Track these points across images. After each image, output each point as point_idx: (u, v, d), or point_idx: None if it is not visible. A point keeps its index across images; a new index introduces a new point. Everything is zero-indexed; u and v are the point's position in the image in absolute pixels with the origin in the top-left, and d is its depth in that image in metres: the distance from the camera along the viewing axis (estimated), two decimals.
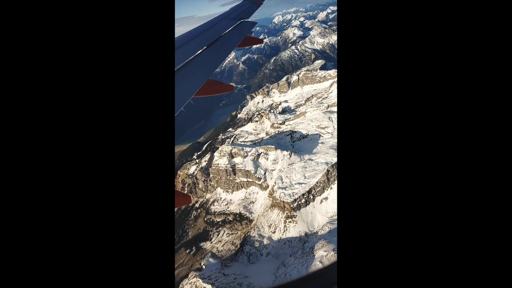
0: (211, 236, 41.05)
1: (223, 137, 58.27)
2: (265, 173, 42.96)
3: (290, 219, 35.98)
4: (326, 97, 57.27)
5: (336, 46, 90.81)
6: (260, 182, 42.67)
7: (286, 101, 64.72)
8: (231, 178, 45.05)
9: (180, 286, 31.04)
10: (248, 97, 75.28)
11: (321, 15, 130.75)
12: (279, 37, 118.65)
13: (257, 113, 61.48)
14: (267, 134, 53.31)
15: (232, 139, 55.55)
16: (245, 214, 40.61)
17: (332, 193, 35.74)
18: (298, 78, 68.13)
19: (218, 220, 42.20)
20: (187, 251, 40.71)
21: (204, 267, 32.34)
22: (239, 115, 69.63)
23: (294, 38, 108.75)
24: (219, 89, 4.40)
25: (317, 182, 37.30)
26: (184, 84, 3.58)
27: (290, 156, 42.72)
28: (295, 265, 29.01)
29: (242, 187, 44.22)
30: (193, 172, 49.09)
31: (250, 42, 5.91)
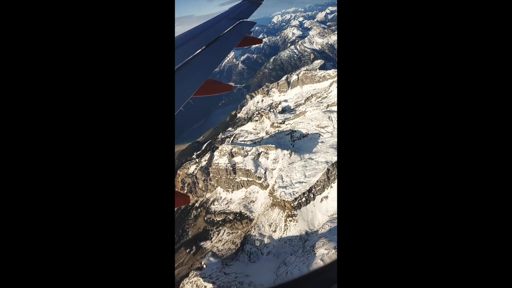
0: (211, 236, 41.00)
1: (222, 136, 58.25)
2: (265, 172, 42.98)
3: (290, 218, 36.01)
4: (326, 97, 57.37)
5: (335, 46, 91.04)
6: (260, 181, 42.67)
7: (285, 101, 64.78)
8: (231, 177, 45.03)
9: (181, 285, 31.00)
10: (247, 96, 75.29)
11: (320, 15, 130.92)
12: (278, 37, 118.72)
13: (256, 112, 61.49)
14: (267, 133, 53.34)
15: (232, 138, 55.54)
16: (246, 213, 40.60)
17: (332, 191, 35.80)
18: (298, 78, 68.21)
19: (218, 219, 42.16)
20: (187, 251, 40.65)
21: (204, 266, 32.30)
22: (238, 115, 69.63)
23: (293, 38, 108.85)
24: (218, 89, 4.40)
25: (317, 181, 37.35)
26: (183, 84, 3.57)
27: (290, 155, 42.75)
28: (296, 263, 29.04)
29: (242, 186, 44.21)
30: (193, 172, 49.03)
31: (249, 42, 5.94)
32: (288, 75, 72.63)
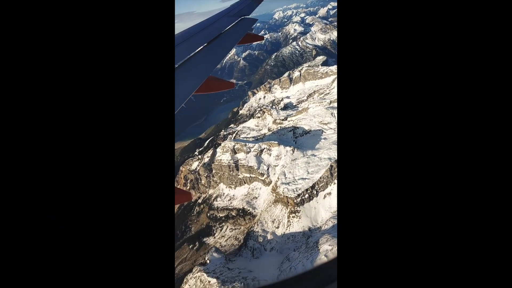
0: (214, 231, 41.18)
1: (225, 133, 58.26)
2: (268, 169, 43.03)
3: (293, 214, 36.10)
4: (328, 93, 57.22)
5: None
6: (263, 178, 42.74)
7: (288, 97, 64.65)
8: (234, 174, 45.10)
9: (185, 280, 31.19)
10: (249, 93, 75.16)
11: (322, 11, 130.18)
12: (280, 33, 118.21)
13: (259, 109, 61.43)
14: (269, 130, 53.30)
15: (234, 135, 55.54)
16: (248, 210, 40.73)
17: (335, 188, 35.84)
18: (300, 74, 68.00)
19: (221, 215, 42.31)
20: (190, 247, 40.85)
21: (208, 261, 32.48)
22: (240, 111, 69.57)
23: (295, 34, 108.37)
24: (220, 86, 4.42)
25: (320, 178, 37.38)
26: (185, 81, 3.58)
27: (293, 151, 42.76)
28: (299, 259, 29.16)
29: (245, 183, 44.29)
30: (196, 168, 49.13)
31: (251, 39, 5.96)
32: (290, 72, 72.42)
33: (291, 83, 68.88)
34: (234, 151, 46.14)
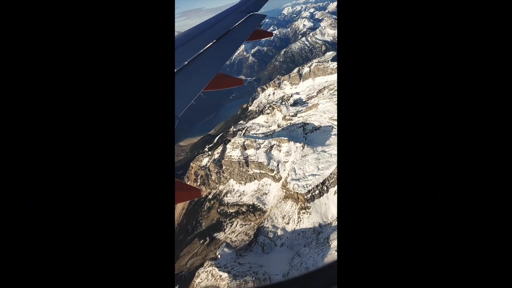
0: (225, 227, 41.50)
1: (234, 129, 58.39)
2: (278, 165, 43.02)
3: (304, 210, 36.08)
4: None
5: None
6: (273, 174, 42.77)
7: (297, 93, 64.24)
8: (244, 170, 45.27)
9: (196, 274, 31.65)
10: (259, 89, 74.98)
11: (331, 6, 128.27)
12: (289, 29, 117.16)
13: (268, 105, 61.26)
14: (278, 126, 53.18)
15: (243, 131, 55.62)
16: (258, 205, 40.88)
17: None
18: (310, 70, 67.42)
19: (231, 211, 42.59)
20: (201, 242, 41.29)
21: (219, 256, 32.84)
22: (250, 108, 69.52)
23: (304, 29, 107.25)
24: (229, 83, 4.45)
25: (330, 174, 37.18)
26: (194, 78, 3.60)
27: (303, 148, 42.60)
28: (310, 254, 29.20)
29: (255, 179, 44.42)
30: (206, 164, 49.50)
31: (260, 35, 5.94)
32: (300, 67, 71.86)
33: (300, 79, 68.40)
34: (244, 147, 46.27)
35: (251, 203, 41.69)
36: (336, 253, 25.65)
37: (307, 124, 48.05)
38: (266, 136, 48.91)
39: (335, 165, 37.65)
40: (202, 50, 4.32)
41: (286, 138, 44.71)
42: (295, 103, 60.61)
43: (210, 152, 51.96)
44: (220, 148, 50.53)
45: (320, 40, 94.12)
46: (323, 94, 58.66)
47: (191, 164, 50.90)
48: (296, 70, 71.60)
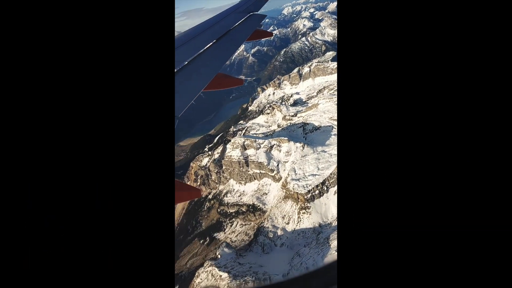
0: (225, 227, 41.52)
1: (234, 129, 58.41)
2: (278, 165, 43.04)
3: (304, 210, 36.10)
4: None
5: None
6: (273, 174, 42.78)
7: (297, 93, 64.25)
8: (244, 170, 45.29)
9: (196, 274, 31.66)
10: (259, 89, 75.01)
11: (331, 6, 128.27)
12: (289, 29, 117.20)
13: (268, 105, 61.28)
14: (278, 126, 53.20)
15: (243, 131, 55.64)
16: (258, 205, 40.89)
17: None
18: (310, 70, 67.44)
19: (231, 211, 42.61)
20: (201, 242, 41.31)
21: (219, 256, 32.86)
22: (250, 108, 69.55)
23: (304, 29, 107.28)
24: (229, 83, 4.45)
25: (330, 174, 37.19)
26: (194, 78, 3.60)
27: (303, 148, 42.62)
28: (310, 254, 29.21)
29: (255, 179, 44.44)
30: (206, 164, 49.51)
31: (260, 35, 5.93)
32: (300, 67, 71.89)
33: (300, 79, 68.42)
34: (244, 147, 46.28)
35: (251, 203, 41.71)
36: (336, 253, 25.67)
37: (307, 124, 48.07)
38: (266, 136, 48.92)
39: (335, 165, 37.65)
40: (202, 50, 4.33)
41: (286, 138, 44.73)
42: (295, 103, 60.62)
43: (210, 152, 51.97)
44: (220, 148, 50.55)
45: (320, 40, 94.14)
46: (323, 94, 58.68)
47: (191, 164, 50.91)
48: (296, 70, 71.63)
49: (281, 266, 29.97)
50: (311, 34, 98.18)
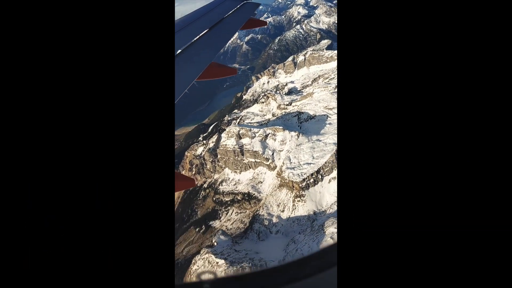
0: (220, 215, 41.91)
1: (229, 118, 58.15)
2: (273, 154, 43.25)
3: (298, 198, 36.61)
4: (334, 78, 56.54)
5: None
6: (268, 163, 43.03)
7: (292, 82, 63.97)
8: (239, 159, 45.41)
9: (193, 261, 32.10)
10: (253, 78, 74.42)
11: None
12: (283, 16, 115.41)
13: (263, 94, 60.98)
14: (273, 115, 53.15)
15: (238, 120, 55.45)
16: (254, 194, 41.28)
17: None
18: (305, 59, 66.99)
19: (226, 199, 42.94)
20: (197, 230, 41.71)
21: (215, 243, 33.29)
22: (244, 97, 69.10)
23: (299, 17, 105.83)
24: (222, 73, 4.42)
25: (325, 162, 37.61)
26: (187, 67, 3.58)
27: (298, 136, 42.83)
28: (305, 241, 29.83)
29: (250, 168, 44.65)
30: (201, 153, 49.43)
31: (254, 24, 5.92)
32: (295, 56, 71.33)
33: (295, 68, 67.99)
34: (239, 136, 46.26)
35: (246, 191, 42.05)
36: (331, 239, 26.28)
37: (302, 113, 48.13)
38: (261, 125, 48.90)
39: (330, 154, 38.05)
40: (195, 39, 4.27)
41: (281, 127, 44.81)
42: (290, 92, 60.45)
43: (204, 141, 51.81)
44: (215, 137, 50.41)
45: (315, 28, 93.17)
46: (318, 83, 58.56)
47: (186, 153, 50.75)
48: (290, 58, 71.07)
49: (276, 253, 30.58)
50: (305, 22, 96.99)
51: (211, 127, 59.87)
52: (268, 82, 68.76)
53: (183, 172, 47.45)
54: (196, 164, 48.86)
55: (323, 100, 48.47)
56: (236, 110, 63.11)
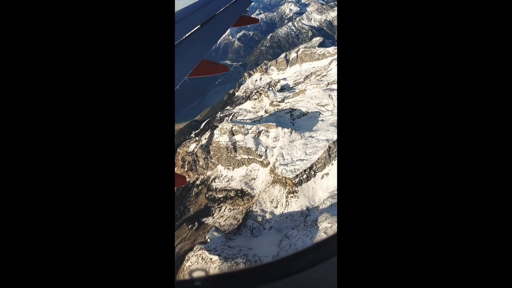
0: (213, 212, 41.82)
1: (221, 115, 57.85)
2: (266, 150, 43.33)
3: (291, 194, 36.83)
4: (326, 75, 56.90)
5: (334, 23, 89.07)
6: (261, 159, 43.10)
7: (284, 79, 64.01)
8: (232, 155, 45.31)
9: (186, 258, 31.97)
10: (245, 74, 74.14)
11: None
12: (275, 13, 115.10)
13: (255, 91, 60.86)
14: (266, 112, 53.17)
15: (230, 117, 55.24)
16: (247, 190, 41.31)
17: (333, 168, 36.49)
18: (297, 56, 67.11)
19: (219, 196, 42.85)
20: (190, 226, 41.53)
21: (209, 240, 33.24)
22: (236, 93, 68.84)
23: (291, 14, 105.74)
24: (214, 70, 4.45)
25: (318, 159, 37.90)
26: (178, 64, 3.55)
27: (291, 133, 42.99)
28: (299, 236, 30.07)
29: (243, 164, 44.63)
30: (193, 150, 49.11)
31: (245, 21, 5.90)
32: (287, 53, 71.35)
33: (287, 65, 68.07)
34: (232, 133, 46.13)
35: (239, 188, 42.04)
36: (324, 234, 26.54)
37: (295, 110, 48.28)
38: (254, 122, 48.87)
39: (323, 150, 38.36)
40: (187, 35, 4.23)
41: (274, 124, 44.88)
42: (282, 89, 60.52)
43: (197, 138, 51.48)
44: (207, 134, 50.14)
45: (307, 25, 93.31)
46: (310, 80, 58.81)
47: (178, 150, 50.31)
48: (283, 55, 71.07)
49: (270, 248, 30.75)
50: (297, 19, 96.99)
51: (203, 123, 59.48)
52: (260, 78, 68.66)
53: (175, 170, 47.01)
54: (189, 161, 48.53)
55: (315, 97, 48.73)
56: (228, 107, 62.84)
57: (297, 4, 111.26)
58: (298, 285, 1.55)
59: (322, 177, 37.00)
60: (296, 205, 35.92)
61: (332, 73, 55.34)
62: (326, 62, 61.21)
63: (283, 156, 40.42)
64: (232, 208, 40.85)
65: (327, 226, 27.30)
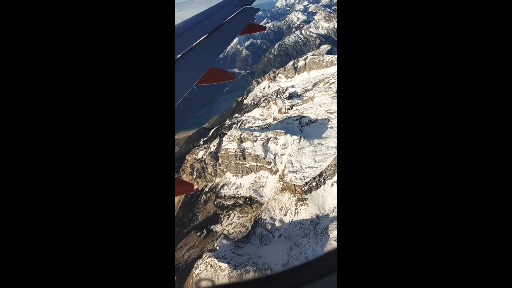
0: (222, 219, 41.68)
1: (230, 122, 58.20)
2: (275, 158, 43.24)
3: (301, 202, 36.50)
4: (334, 82, 56.84)
5: None
6: (270, 167, 42.99)
7: (293, 86, 64.26)
8: (240, 163, 45.34)
9: (195, 266, 31.78)
10: (254, 82, 74.73)
11: None
12: (282, 22, 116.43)
13: (263, 98, 61.18)
14: (274, 119, 53.27)
15: (239, 124, 55.51)
16: (255, 198, 41.13)
17: None
18: (305, 63, 67.41)
19: (228, 203, 42.75)
20: (198, 234, 41.43)
21: (218, 248, 33.03)
22: (245, 101, 69.31)
23: (298, 22, 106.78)
24: (222, 78, 4.45)
25: (328, 166, 37.60)
26: (187, 71, 3.61)
27: (300, 140, 42.88)
28: (309, 244, 29.64)
29: (251, 171, 44.58)
30: (202, 157, 49.35)
31: (253, 29, 5.92)
32: (295, 60, 71.78)
33: (296, 72, 68.37)
34: (241, 140, 46.25)
35: (248, 195, 41.90)
36: (335, 242, 26.09)
37: (303, 117, 48.26)
38: (262, 129, 48.96)
39: (332, 158, 38.06)
40: (195, 44, 4.31)
41: (282, 131, 44.87)
42: (291, 96, 60.69)
43: (205, 145, 51.78)
44: (216, 141, 50.41)
45: (314, 33, 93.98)
46: (318, 87, 58.86)
47: (187, 157, 50.65)
48: (291, 63, 71.51)
49: (280, 256, 30.36)
50: (305, 27, 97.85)
51: (211, 131, 59.88)
52: (268, 86, 69.06)
53: (183, 176, 47.31)
54: (197, 168, 48.73)
55: (324, 104, 48.68)
56: (236, 114, 63.23)
57: (305, 13, 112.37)
58: None
59: (332, 184, 36.62)
60: (305, 213, 35.53)
61: None
62: (334, 70, 61.26)
63: (292, 164, 40.24)
64: (240, 215, 40.65)
65: None
